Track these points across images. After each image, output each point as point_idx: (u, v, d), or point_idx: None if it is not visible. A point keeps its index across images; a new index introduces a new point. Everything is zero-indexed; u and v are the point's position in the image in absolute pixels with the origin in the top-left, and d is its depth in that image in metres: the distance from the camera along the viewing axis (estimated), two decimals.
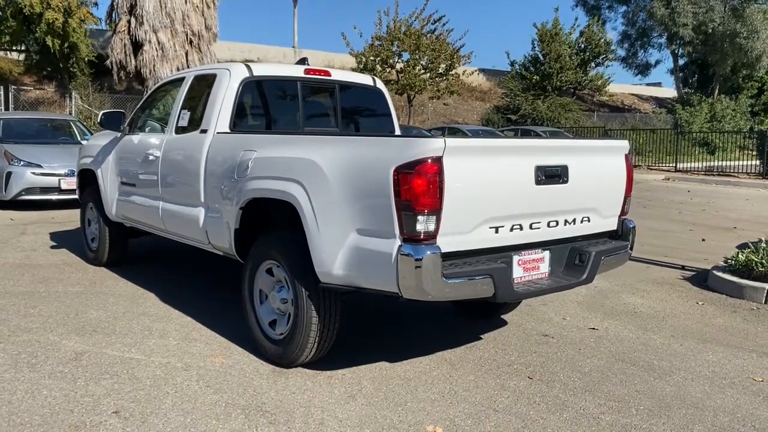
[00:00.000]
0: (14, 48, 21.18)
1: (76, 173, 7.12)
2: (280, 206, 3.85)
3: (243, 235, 4.27)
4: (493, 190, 3.39)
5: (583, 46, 31.33)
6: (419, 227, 3.13)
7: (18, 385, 3.64)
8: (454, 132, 19.96)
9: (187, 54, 22.14)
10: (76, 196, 7.24)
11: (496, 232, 3.46)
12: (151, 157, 5.36)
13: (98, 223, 6.49)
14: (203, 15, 22.55)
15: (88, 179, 6.68)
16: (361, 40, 24.38)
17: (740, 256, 6.25)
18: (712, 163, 24.12)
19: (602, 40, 31.22)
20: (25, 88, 21.04)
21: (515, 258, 3.66)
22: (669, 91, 46.52)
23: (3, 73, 23.77)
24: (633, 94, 46.32)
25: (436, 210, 3.13)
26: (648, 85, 48.80)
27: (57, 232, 8.66)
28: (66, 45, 19.34)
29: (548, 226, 3.73)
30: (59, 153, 11.20)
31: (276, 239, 3.97)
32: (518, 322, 5.06)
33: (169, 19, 21.15)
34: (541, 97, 29.64)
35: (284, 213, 3.86)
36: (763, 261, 5.97)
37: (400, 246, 3.16)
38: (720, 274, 6.30)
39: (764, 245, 6.29)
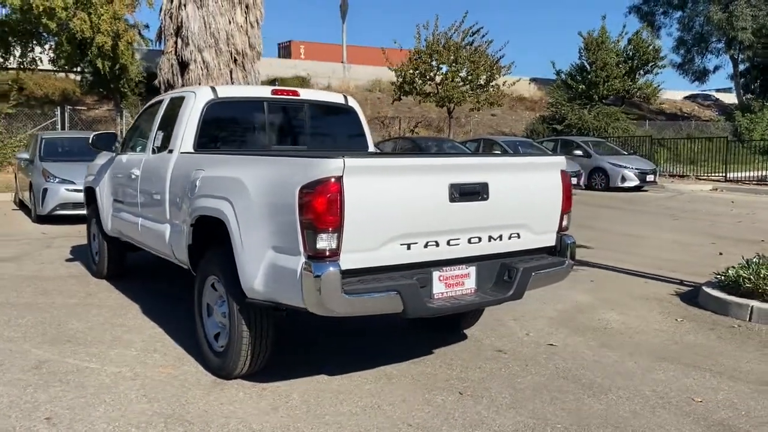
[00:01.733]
0: (73, 69, 22.38)
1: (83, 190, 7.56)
2: (219, 223, 4.03)
3: (196, 250, 4.47)
4: (402, 208, 3.46)
5: (631, 53, 30.56)
6: (321, 245, 3.24)
7: None
8: (490, 144, 19.87)
9: (231, 72, 22.88)
10: None
11: (408, 248, 3.53)
12: (133, 176, 5.66)
13: (98, 237, 6.86)
14: (247, 34, 23.26)
15: (91, 196, 7.07)
16: (401, 54, 24.40)
17: (730, 271, 6.05)
18: (766, 173, 23.10)
19: (651, 48, 30.38)
20: (81, 108, 22.21)
21: (436, 274, 3.71)
22: (731, 97, 44.82)
23: (66, 94, 25.16)
24: (692, 101, 44.82)
25: (336, 228, 3.24)
26: (713, 90, 47.18)
27: (78, 245, 9.14)
28: (117, 66, 20.31)
29: (469, 242, 3.77)
30: None
31: (215, 255, 4.15)
32: (478, 337, 5.07)
33: (213, 40, 21.93)
34: (587, 106, 29.08)
35: (223, 230, 4.03)
36: (751, 276, 5.76)
37: (303, 263, 3.28)
38: (708, 290, 6.11)
39: (756, 260, 6.07)
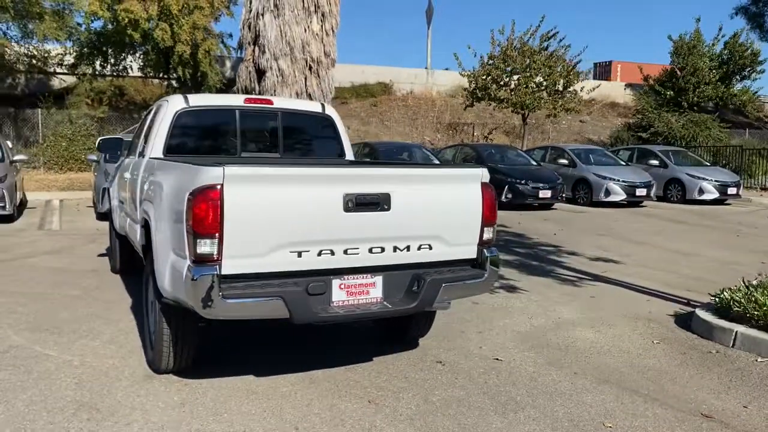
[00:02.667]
0: (159, 76, 23.88)
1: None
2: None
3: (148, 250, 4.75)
4: (290, 217, 3.55)
5: (725, 57, 28.66)
6: (201, 250, 3.39)
7: None
8: (557, 152, 19.30)
9: (306, 79, 23.60)
10: None
11: (300, 256, 3.61)
12: (126, 178, 6.06)
13: (112, 235, 7.36)
14: (322, 42, 23.86)
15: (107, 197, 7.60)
16: (475, 59, 24.24)
17: (725, 293, 5.66)
18: None
19: (749, 51, 28.32)
20: None
21: (335, 282, 3.77)
22: None
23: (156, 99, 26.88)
24: None
25: (216, 234, 3.38)
26: None
27: None
28: (198, 74, 21.49)
29: (371, 252, 3.80)
30: None
31: (149, 255, 4.40)
32: (427, 347, 5.04)
33: (288, 48, 22.67)
34: (676, 113, 27.57)
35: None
36: (743, 300, 5.37)
37: (188, 266, 3.45)
38: (700, 312, 5.74)
39: (756, 282, 5.65)
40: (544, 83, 23.60)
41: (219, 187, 3.35)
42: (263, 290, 3.51)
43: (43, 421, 3.61)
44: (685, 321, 5.93)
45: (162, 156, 5.21)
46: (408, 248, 3.92)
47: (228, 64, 24.65)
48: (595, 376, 4.52)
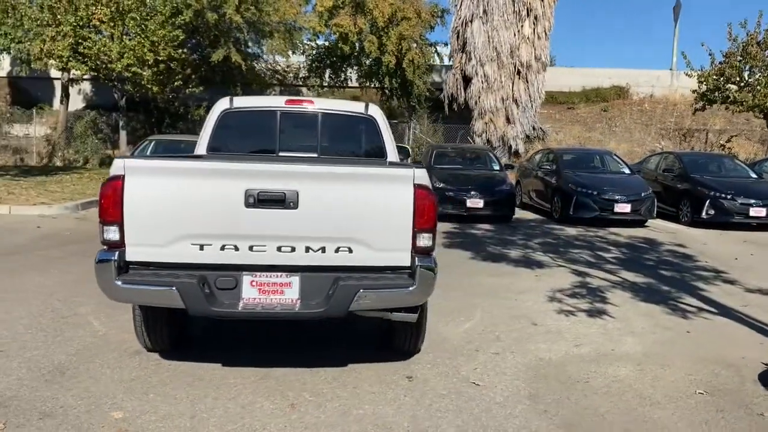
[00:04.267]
0: (371, 86, 25.35)
1: None
2: None
3: None
4: (189, 209, 3.63)
5: None
6: (107, 236, 3.66)
7: None
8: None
9: (512, 84, 23.12)
10: None
11: (201, 249, 3.68)
12: None
13: None
14: (533, 46, 23.18)
15: None
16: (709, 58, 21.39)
17: None
18: None
19: None
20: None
21: (246, 278, 3.76)
22: None
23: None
24: None
25: (117, 222, 3.61)
26: None
27: None
28: (406, 83, 22.38)
29: (279, 250, 3.71)
30: None
31: None
32: (416, 360, 4.72)
33: (495, 53, 22.45)
34: None
35: None
36: None
37: (99, 251, 3.74)
38: None
39: None
40: None
41: (121, 178, 3.58)
42: (159, 279, 3.65)
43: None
44: None
45: (206, 153, 5.64)
46: (324, 250, 3.74)
47: (439, 72, 25.21)
48: (567, 421, 3.82)
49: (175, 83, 20.13)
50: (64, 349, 4.74)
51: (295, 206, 3.64)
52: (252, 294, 3.77)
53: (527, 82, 23.31)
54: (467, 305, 6.45)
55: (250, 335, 5.27)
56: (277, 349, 4.99)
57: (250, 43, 22.32)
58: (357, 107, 5.86)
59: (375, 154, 5.77)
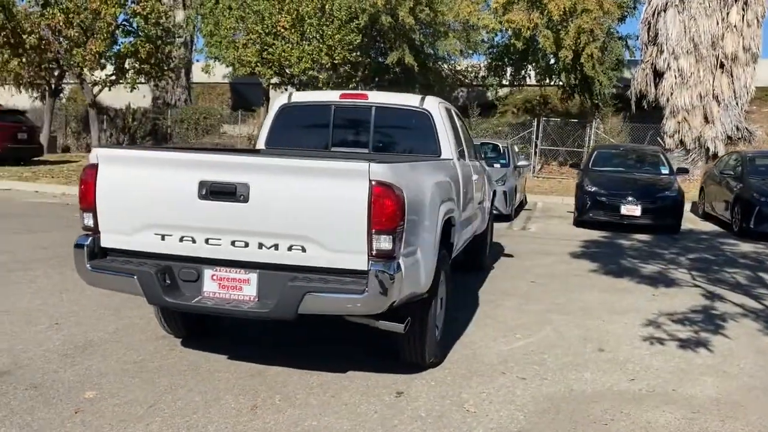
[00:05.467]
0: (549, 83, 24.08)
1: None
2: None
3: None
4: (151, 199, 3.64)
5: None
6: (84, 222, 3.82)
7: None
8: None
9: (713, 79, 20.43)
10: None
11: (163, 239, 3.67)
12: None
13: None
14: (741, 35, 20.29)
15: None
16: None
17: None
18: None
19: None
20: (554, 119, 23.64)
21: (207, 271, 3.70)
22: None
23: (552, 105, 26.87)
24: None
25: (90, 209, 3.76)
26: None
27: None
28: (587, 79, 20.93)
29: (233, 245, 3.57)
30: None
31: None
32: (418, 377, 4.30)
33: (692, 44, 20.06)
34: None
35: None
36: None
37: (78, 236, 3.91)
38: None
39: None
40: None
41: (95, 166, 3.71)
42: (123, 267, 3.71)
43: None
44: None
45: (263, 148, 5.72)
46: (276, 247, 3.53)
47: (627, 68, 23.17)
48: None
49: (350, 86, 20.92)
50: (105, 328, 5.08)
51: (246, 200, 3.48)
52: (212, 288, 3.69)
53: (731, 76, 20.50)
54: (539, 321, 5.77)
55: (274, 330, 5.20)
56: (291, 346, 4.89)
57: (425, 45, 22.42)
58: (412, 100, 5.53)
59: (428, 150, 5.40)
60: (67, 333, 4.92)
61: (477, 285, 7.11)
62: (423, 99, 5.46)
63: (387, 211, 3.37)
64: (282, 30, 19.43)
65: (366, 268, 3.43)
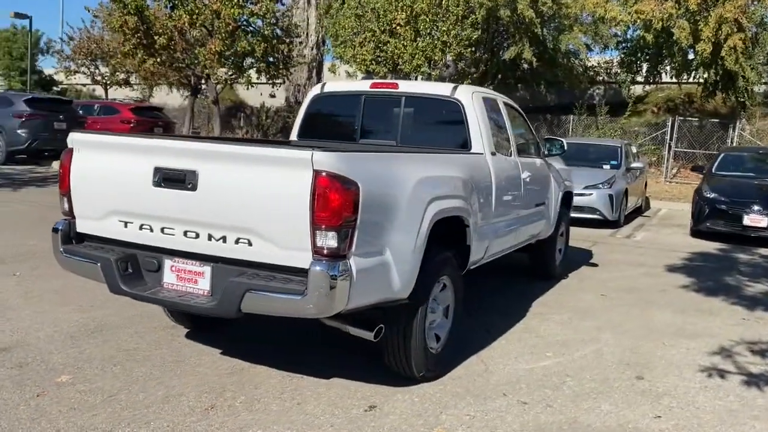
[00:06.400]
0: (685, 81, 22.00)
1: None
2: None
3: None
4: (113, 184, 3.56)
5: None
6: (62, 207, 3.83)
7: None
8: None
9: None
10: None
11: (126, 226, 3.58)
12: None
13: None
14: None
15: None
16: None
17: None
18: None
19: None
20: (692, 118, 21.46)
21: (168, 262, 3.56)
22: None
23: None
24: None
25: (66, 193, 3.75)
26: None
27: None
28: (731, 74, 18.86)
29: (185, 235, 3.40)
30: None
31: None
32: (400, 392, 3.90)
33: None
34: None
35: None
36: None
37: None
38: None
39: None
40: None
41: (71, 150, 3.70)
42: (90, 253, 3.65)
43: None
44: None
45: (296, 139, 5.56)
46: (225, 240, 3.29)
47: None
48: None
49: (465, 82, 20.39)
50: (125, 313, 5.13)
51: (194, 188, 3.29)
52: (171, 280, 3.55)
53: None
54: (583, 339, 5.12)
55: (288, 328, 4.99)
56: (294, 345, 4.67)
57: (548, 40, 21.31)
58: (443, 89, 5.10)
59: (458, 143, 4.96)
60: (88, 316, 5.04)
61: (535, 295, 6.49)
62: (455, 87, 5.01)
63: (332, 205, 3.02)
64: (397, 27, 19.32)
65: (307, 267, 3.10)
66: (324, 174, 3.02)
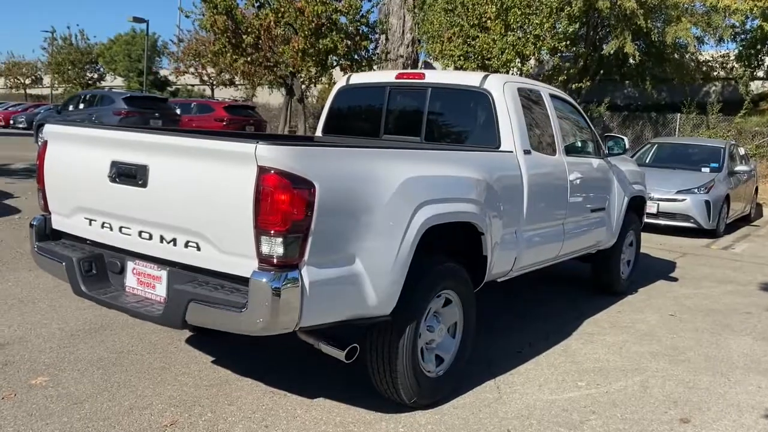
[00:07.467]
0: None
1: None
2: None
3: None
4: (75, 179, 3.36)
5: None
6: (39, 202, 3.67)
7: None
8: None
9: None
10: None
11: (90, 224, 3.36)
12: None
13: None
14: None
15: None
16: None
17: None
18: None
19: None
20: None
21: (130, 264, 3.30)
22: None
23: None
24: None
25: (42, 188, 3.59)
26: None
27: None
28: None
29: (140, 236, 3.11)
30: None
31: None
32: (384, 412, 3.44)
33: None
34: None
35: None
36: None
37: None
38: None
39: None
40: None
41: (45, 143, 3.52)
42: (59, 251, 3.44)
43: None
44: None
45: (320, 135, 5.22)
46: (174, 242, 2.97)
47: None
48: None
49: (560, 78, 19.34)
50: None
51: (144, 184, 2.99)
52: (132, 283, 3.28)
53: None
54: (627, 368, 4.45)
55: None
56: (295, 353, 4.30)
57: (653, 32, 19.78)
58: (472, 79, 4.55)
59: (487, 139, 4.42)
60: (99, 313, 4.91)
61: (590, 311, 5.78)
62: (485, 77, 4.46)
63: (280, 207, 2.62)
64: (487, 21, 18.60)
65: (248, 277, 2.72)
66: (272, 172, 2.62)
